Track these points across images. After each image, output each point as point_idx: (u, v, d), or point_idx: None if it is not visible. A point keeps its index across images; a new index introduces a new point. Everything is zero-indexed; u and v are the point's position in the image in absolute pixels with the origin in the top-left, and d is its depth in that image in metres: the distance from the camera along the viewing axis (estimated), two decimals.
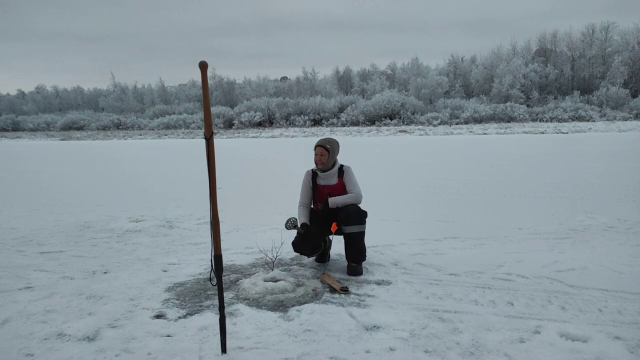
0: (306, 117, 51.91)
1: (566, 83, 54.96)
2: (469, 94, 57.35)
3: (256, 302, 3.39)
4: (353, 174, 4.16)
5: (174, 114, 59.23)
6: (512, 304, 3.25)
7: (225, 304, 2.86)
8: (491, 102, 51.00)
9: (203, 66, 2.46)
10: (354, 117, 49.68)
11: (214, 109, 52.23)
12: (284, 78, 75.67)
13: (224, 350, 2.63)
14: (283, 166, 13.41)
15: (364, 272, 3.98)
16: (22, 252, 4.91)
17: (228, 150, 21.76)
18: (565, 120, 42.45)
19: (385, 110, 49.02)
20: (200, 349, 2.69)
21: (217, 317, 2.72)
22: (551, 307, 3.19)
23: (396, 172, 11.35)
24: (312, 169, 4.25)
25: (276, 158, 17.34)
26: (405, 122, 47.21)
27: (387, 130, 39.82)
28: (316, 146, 4.11)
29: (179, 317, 3.14)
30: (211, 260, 2.66)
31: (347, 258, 4.02)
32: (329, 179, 4.14)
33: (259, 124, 52.77)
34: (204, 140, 2.56)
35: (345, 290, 3.54)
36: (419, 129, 38.85)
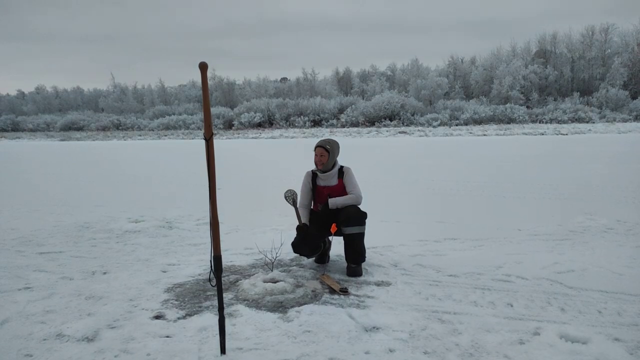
0: (306, 118, 51.95)
1: (566, 84, 55.05)
2: (469, 95, 57.44)
3: (255, 303, 3.38)
4: (353, 175, 4.16)
5: (174, 114, 59.28)
6: (511, 306, 3.25)
7: (224, 305, 2.85)
8: (491, 103, 51.08)
9: (203, 67, 2.46)
10: (353, 118, 49.72)
11: (213, 110, 52.24)
12: (284, 79, 75.74)
13: (223, 351, 2.63)
14: (283, 167, 13.41)
15: (363, 273, 3.98)
16: (22, 252, 4.91)
17: (228, 151, 21.76)
18: (565, 122, 42.50)
19: (385, 112, 49.06)
20: (200, 349, 2.69)
21: (217, 317, 2.72)
22: (551, 309, 3.18)
23: (396, 173, 11.35)
24: (312, 170, 4.25)
25: (276, 159, 17.35)
26: (405, 123, 47.26)
27: (387, 131, 39.86)
28: (316, 147, 4.11)
29: (179, 318, 3.14)
30: (211, 261, 2.65)
31: (346, 259, 4.02)
32: (329, 179, 4.14)
33: (259, 125, 52.80)
34: (203, 141, 2.56)
35: (344, 291, 3.54)
36: (418, 130, 38.90)
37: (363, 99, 56.98)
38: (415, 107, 49.83)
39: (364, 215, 4.01)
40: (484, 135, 32.32)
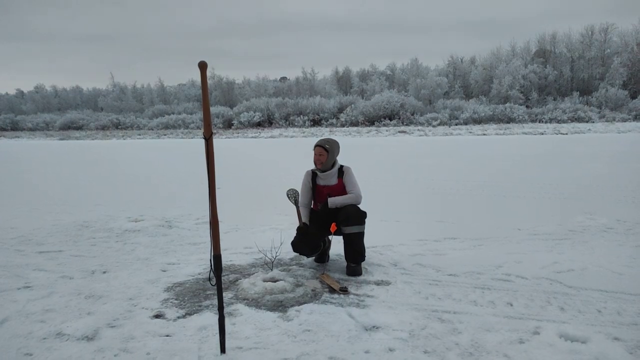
0: (305, 118, 51.92)
1: (565, 84, 55.08)
2: (469, 95, 57.43)
3: (255, 302, 3.38)
4: (353, 175, 4.16)
5: (173, 113, 59.21)
6: (511, 305, 3.25)
7: (224, 304, 2.85)
8: (490, 103, 51.08)
9: (202, 66, 2.45)
10: (353, 118, 49.70)
11: (213, 109, 52.20)
12: (284, 78, 75.69)
13: (223, 350, 2.63)
14: (282, 166, 13.41)
15: (363, 273, 3.98)
16: (21, 251, 4.90)
17: (227, 151, 21.75)
18: (564, 121, 42.51)
19: (385, 111, 49.04)
20: (200, 348, 2.69)
21: (216, 317, 2.72)
22: (550, 308, 3.19)
23: (395, 173, 11.36)
24: (311, 169, 4.25)
25: (275, 158, 17.34)
26: (405, 123, 47.24)
27: (387, 130, 39.85)
28: (315, 146, 4.11)
29: (178, 317, 3.14)
30: (210, 260, 2.65)
31: (346, 258, 4.02)
32: (329, 179, 4.14)
33: (258, 124, 52.76)
34: (203, 140, 2.55)
35: (344, 291, 3.54)
36: (418, 130, 38.88)
37: (363, 98, 56.94)
38: (415, 106, 49.82)
39: (363, 215, 4.01)
40: (484, 134, 32.33)
